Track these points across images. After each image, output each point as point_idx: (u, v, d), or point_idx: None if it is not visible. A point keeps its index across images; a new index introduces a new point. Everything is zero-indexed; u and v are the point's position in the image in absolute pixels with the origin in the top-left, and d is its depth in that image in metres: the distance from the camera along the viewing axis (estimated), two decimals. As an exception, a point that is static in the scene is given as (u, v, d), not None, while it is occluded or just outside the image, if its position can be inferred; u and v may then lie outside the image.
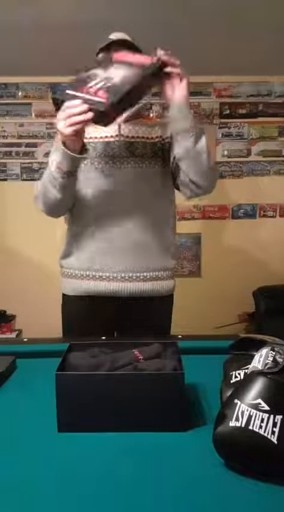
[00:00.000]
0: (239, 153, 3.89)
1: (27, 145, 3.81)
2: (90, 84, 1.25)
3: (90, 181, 1.56)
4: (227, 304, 3.66)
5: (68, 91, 1.28)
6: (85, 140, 1.45)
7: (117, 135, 1.55)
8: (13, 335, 3.66)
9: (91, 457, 0.91)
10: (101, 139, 1.56)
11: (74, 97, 1.25)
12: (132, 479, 0.84)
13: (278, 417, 0.83)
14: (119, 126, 1.55)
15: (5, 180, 3.84)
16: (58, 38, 2.88)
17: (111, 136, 1.56)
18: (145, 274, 1.58)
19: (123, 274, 1.57)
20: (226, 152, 3.88)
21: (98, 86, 1.23)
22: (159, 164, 1.57)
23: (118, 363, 1.06)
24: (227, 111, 3.85)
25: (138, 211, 1.55)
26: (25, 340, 1.57)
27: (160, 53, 1.30)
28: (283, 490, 0.80)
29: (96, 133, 1.55)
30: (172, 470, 0.88)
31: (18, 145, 3.82)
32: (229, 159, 3.89)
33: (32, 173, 3.82)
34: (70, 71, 3.87)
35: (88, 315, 1.61)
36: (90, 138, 1.54)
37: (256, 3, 2.45)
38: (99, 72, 1.28)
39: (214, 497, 0.80)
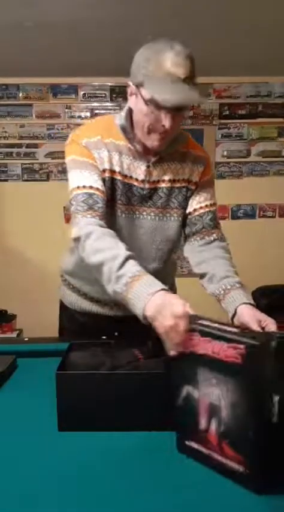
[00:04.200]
0: (239, 154, 3.90)
1: (28, 146, 3.82)
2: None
3: (109, 225, 1.33)
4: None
5: None
6: (113, 175, 1.30)
7: (143, 180, 1.33)
8: (14, 335, 3.66)
9: (92, 456, 0.92)
10: (126, 180, 1.33)
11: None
12: (131, 478, 0.85)
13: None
14: (148, 166, 1.33)
15: (6, 180, 3.85)
16: (58, 38, 2.89)
17: (136, 180, 1.33)
18: None
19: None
20: (225, 153, 3.88)
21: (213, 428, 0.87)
22: (181, 216, 1.41)
23: (118, 362, 1.07)
24: (227, 112, 3.85)
25: (151, 262, 1.39)
26: (26, 339, 1.57)
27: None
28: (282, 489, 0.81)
29: (122, 169, 1.32)
30: (172, 469, 0.88)
31: (19, 146, 3.82)
32: (229, 160, 3.89)
33: (32, 174, 3.83)
34: (70, 71, 3.87)
35: (85, 329, 1.54)
36: (117, 173, 1.32)
37: (256, 4, 2.45)
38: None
39: (213, 496, 0.81)
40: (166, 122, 1.18)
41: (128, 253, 1.12)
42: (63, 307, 1.62)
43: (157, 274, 1.32)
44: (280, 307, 3.45)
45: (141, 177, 1.33)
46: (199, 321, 0.90)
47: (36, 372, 1.28)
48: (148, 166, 1.33)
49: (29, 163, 3.84)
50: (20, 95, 3.78)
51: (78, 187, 1.27)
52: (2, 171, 3.84)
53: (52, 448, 0.95)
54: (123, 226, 1.36)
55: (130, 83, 1.21)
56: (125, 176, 1.32)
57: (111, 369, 1.04)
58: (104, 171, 1.30)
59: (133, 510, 0.77)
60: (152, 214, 1.37)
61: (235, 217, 3.91)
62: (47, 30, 2.77)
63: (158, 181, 1.35)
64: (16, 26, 2.70)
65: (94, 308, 1.52)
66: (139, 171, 1.33)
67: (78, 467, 0.89)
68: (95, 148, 1.29)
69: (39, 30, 2.76)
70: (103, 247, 1.15)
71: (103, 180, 1.30)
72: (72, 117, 3.76)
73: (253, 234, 3.83)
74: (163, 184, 1.36)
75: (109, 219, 1.31)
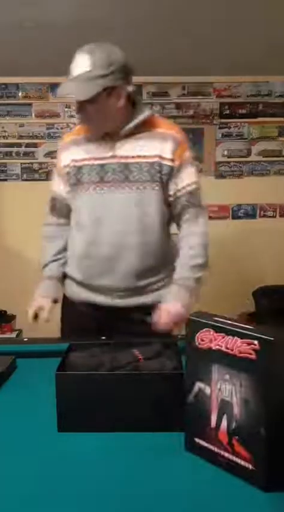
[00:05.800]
0: (240, 153, 3.89)
1: (28, 145, 3.81)
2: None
3: (84, 204, 1.54)
4: (227, 304, 3.65)
5: None
6: (80, 163, 1.52)
7: (111, 156, 1.49)
8: (13, 335, 3.66)
9: (91, 456, 0.92)
10: (96, 161, 1.50)
11: None
12: (131, 479, 0.85)
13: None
14: (115, 143, 1.49)
15: (5, 180, 3.84)
16: (58, 38, 2.88)
17: (104, 158, 1.49)
18: (145, 289, 1.56)
19: (122, 293, 1.55)
20: (226, 152, 3.88)
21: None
22: (156, 189, 1.50)
23: (118, 362, 1.06)
24: (228, 111, 3.85)
25: (132, 236, 1.50)
26: (25, 340, 1.57)
27: None
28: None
29: (91, 153, 1.51)
30: (172, 470, 0.88)
31: (19, 145, 3.82)
32: (229, 159, 3.89)
33: (32, 173, 3.82)
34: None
35: (86, 320, 1.58)
36: (84, 159, 1.51)
37: (256, 3, 2.45)
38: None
39: (214, 497, 0.80)
40: (77, 112, 1.47)
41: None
42: (64, 297, 1.71)
43: (144, 248, 1.53)
44: (281, 307, 3.45)
45: (109, 154, 1.49)
46: (214, 318, 0.90)
47: (35, 372, 1.28)
48: (113, 144, 1.49)
49: (28, 163, 3.83)
50: (20, 94, 3.77)
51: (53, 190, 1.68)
52: (1, 171, 3.83)
53: (51, 448, 0.95)
54: (99, 203, 1.51)
55: None
56: (95, 158, 1.50)
57: (110, 370, 1.03)
58: (67, 166, 1.55)
59: (133, 510, 0.77)
60: (126, 188, 1.49)
61: (235, 217, 3.90)
62: (47, 30, 2.76)
63: (127, 157, 1.49)
64: (16, 26, 2.70)
65: (97, 298, 1.58)
66: (105, 150, 1.49)
67: (77, 468, 0.88)
68: (65, 149, 1.58)
69: (39, 30, 2.76)
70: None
71: (68, 173, 1.55)
72: (72, 116, 3.75)
73: (253, 234, 3.82)
74: (132, 160, 1.48)
75: (86, 200, 1.53)
